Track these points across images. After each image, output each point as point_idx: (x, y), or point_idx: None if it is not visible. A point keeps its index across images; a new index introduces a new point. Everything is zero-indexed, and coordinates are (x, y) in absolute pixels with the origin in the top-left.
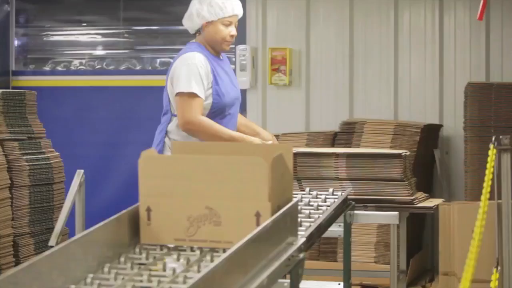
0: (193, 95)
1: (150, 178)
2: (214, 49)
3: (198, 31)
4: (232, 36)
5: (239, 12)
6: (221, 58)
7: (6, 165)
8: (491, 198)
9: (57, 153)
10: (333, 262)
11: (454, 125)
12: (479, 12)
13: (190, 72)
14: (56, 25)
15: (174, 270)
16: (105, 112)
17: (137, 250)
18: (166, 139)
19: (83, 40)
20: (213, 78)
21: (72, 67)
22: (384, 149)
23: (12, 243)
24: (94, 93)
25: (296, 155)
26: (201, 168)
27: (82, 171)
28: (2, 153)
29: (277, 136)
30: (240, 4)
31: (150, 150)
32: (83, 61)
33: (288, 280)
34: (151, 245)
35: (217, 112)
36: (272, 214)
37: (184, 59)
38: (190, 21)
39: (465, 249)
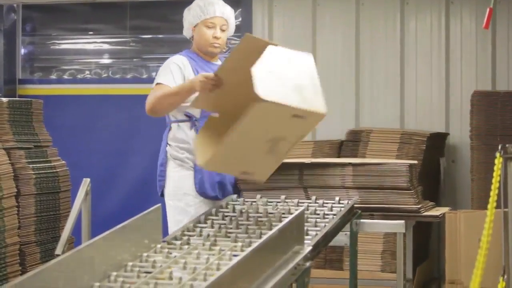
0: (157, 86)
1: None
2: (205, 54)
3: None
4: (216, 37)
5: (223, 14)
6: (216, 62)
7: (13, 174)
8: (497, 206)
9: (63, 162)
10: (339, 271)
11: (460, 133)
12: (485, 21)
13: (161, 69)
14: (63, 33)
15: (180, 279)
16: (112, 120)
17: (144, 258)
18: (168, 147)
19: (90, 48)
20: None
21: (79, 76)
22: (390, 158)
23: (18, 251)
24: (101, 101)
25: (302, 164)
26: None
27: (88, 179)
28: (9, 161)
29: None
30: (226, 6)
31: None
32: (90, 69)
33: None
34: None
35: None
36: None
37: (164, 64)
38: (184, 30)
39: (472, 258)
